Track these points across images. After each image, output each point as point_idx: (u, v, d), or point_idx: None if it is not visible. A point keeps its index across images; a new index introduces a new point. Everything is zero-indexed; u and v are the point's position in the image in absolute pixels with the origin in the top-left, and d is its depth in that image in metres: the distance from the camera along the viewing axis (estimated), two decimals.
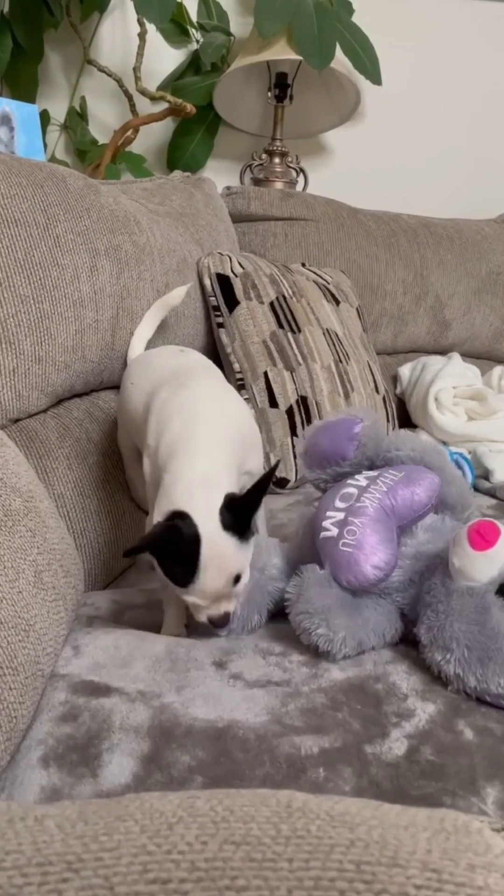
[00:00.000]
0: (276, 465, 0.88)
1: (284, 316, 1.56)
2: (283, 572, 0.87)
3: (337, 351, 1.62)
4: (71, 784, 0.63)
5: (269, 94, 2.10)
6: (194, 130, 2.13)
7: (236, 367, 1.51)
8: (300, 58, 1.88)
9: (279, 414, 1.48)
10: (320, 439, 0.90)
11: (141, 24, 1.89)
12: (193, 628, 0.89)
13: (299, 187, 2.21)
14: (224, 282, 1.53)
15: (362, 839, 0.34)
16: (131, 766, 0.64)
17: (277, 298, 1.57)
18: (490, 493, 1.56)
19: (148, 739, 0.66)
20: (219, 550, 0.75)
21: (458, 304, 2.08)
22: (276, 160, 2.14)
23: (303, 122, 2.20)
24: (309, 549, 0.85)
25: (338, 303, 1.73)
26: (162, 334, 1.36)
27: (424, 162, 2.34)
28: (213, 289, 1.52)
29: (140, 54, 1.91)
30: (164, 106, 1.93)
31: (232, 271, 1.54)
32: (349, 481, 0.85)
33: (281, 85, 2.08)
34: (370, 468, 0.88)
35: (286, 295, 1.59)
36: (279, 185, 2.12)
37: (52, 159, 2.04)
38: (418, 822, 0.36)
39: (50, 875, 0.32)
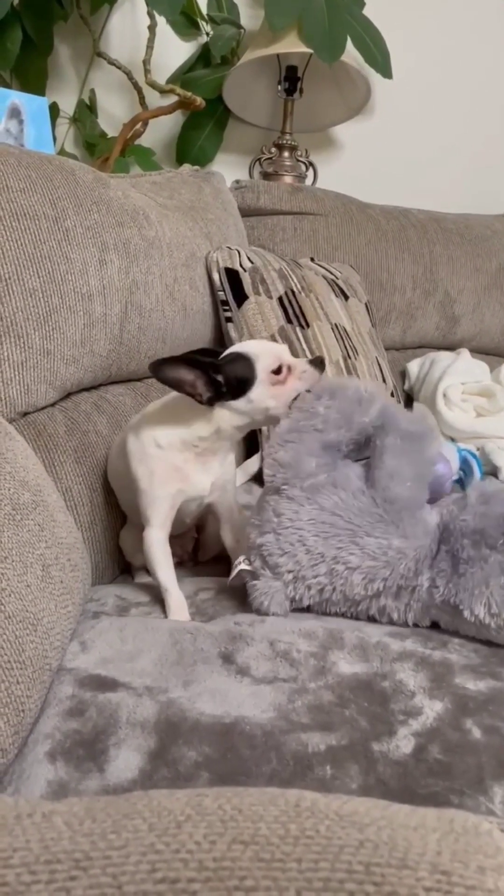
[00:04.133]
0: None
1: (293, 311, 1.55)
2: None
3: (345, 346, 1.62)
4: (77, 779, 0.63)
5: (279, 87, 2.08)
6: (203, 124, 2.12)
7: None
8: (310, 51, 1.87)
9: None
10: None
11: (151, 16, 1.88)
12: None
13: (308, 181, 2.20)
14: (233, 276, 1.52)
15: (371, 840, 0.34)
16: (138, 762, 0.64)
17: (286, 293, 1.56)
18: None
19: (154, 735, 0.66)
20: None
21: (468, 299, 2.07)
22: (286, 154, 2.13)
23: (312, 116, 2.19)
24: None
25: (347, 298, 1.72)
26: (170, 331, 1.36)
27: (434, 156, 2.33)
28: (221, 283, 1.52)
29: (150, 47, 1.90)
30: (173, 99, 1.92)
31: (241, 266, 1.54)
32: None
33: (291, 78, 2.06)
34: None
35: (295, 290, 1.59)
36: (288, 179, 2.11)
37: (62, 152, 2.04)
38: (428, 822, 0.36)
39: (58, 873, 0.32)
